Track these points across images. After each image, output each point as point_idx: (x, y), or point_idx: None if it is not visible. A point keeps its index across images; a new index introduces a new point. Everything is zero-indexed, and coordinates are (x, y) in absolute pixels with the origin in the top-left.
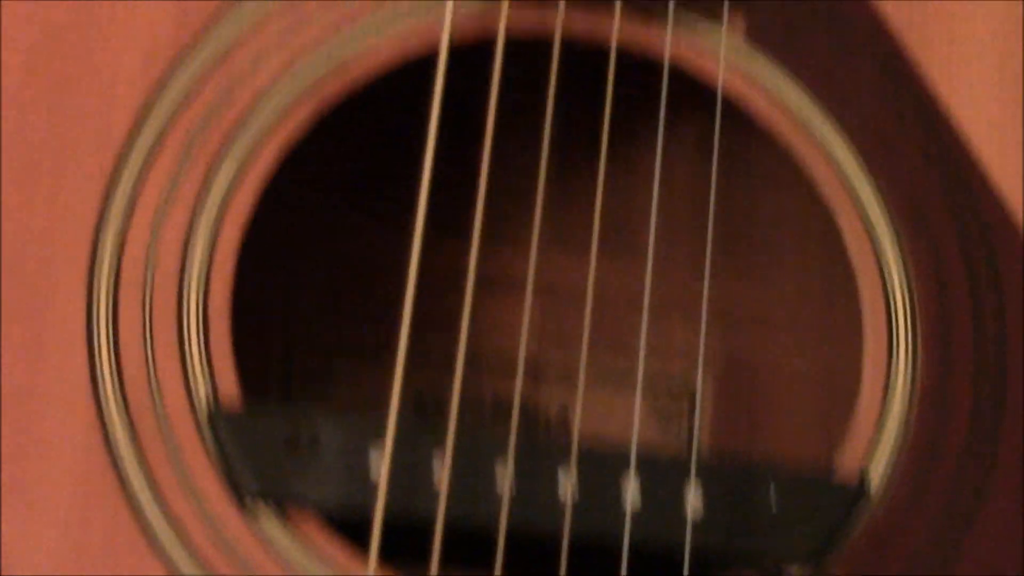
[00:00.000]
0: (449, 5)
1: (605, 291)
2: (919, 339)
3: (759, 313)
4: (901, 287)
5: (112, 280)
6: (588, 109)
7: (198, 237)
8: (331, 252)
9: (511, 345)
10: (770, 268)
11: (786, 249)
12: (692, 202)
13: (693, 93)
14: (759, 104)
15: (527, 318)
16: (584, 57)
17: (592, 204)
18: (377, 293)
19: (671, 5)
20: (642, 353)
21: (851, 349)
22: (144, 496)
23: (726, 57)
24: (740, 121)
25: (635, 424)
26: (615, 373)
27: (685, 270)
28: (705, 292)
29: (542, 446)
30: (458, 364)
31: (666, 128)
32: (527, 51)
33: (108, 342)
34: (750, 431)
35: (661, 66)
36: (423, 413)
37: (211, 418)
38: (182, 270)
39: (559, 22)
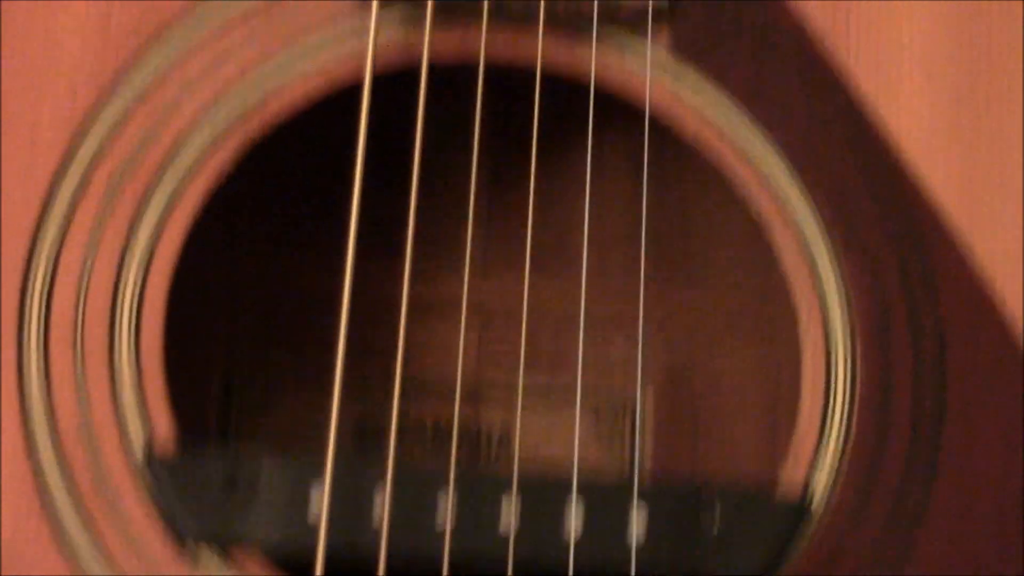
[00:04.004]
0: (372, 25)
1: (541, 310)
2: (857, 349)
3: (697, 322)
4: (838, 298)
5: (42, 324)
6: (516, 129)
7: (128, 278)
8: (265, 284)
9: (449, 368)
10: (706, 277)
11: (721, 258)
12: (624, 217)
13: (621, 110)
14: (687, 121)
15: (463, 340)
16: (510, 78)
17: (524, 224)
18: (313, 323)
19: (594, 25)
20: (579, 370)
21: (791, 353)
22: (83, 545)
23: (653, 73)
24: (669, 134)
25: (576, 430)
26: (555, 391)
27: (620, 284)
28: (641, 304)
29: (483, 475)
30: (395, 393)
31: (595, 145)
32: (452, 75)
33: (40, 389)
34: (693, 441)
35: (588, 85)
36: (364, 441)
37: (147, 463)
38: (112, 311)
39: (483, 43)
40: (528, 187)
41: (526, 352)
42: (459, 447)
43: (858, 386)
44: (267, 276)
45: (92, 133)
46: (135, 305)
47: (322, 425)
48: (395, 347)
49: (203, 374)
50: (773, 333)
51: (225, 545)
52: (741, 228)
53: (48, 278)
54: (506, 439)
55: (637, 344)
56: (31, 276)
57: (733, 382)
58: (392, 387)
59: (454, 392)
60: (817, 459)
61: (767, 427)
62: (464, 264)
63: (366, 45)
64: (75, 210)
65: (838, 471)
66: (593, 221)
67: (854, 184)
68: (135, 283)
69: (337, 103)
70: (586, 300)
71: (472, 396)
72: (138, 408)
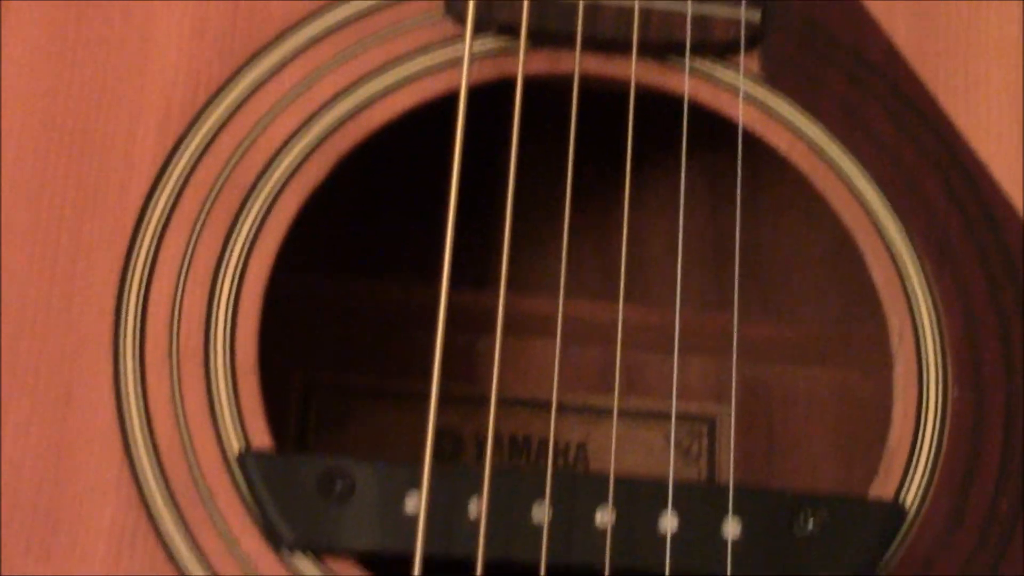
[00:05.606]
0: (466, 47)
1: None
2: (949, 364)
3: (773, 344)
4: (929, 314)
5: (138, 339)
6: (600, 148)
7: (222, 289)
8: (344, 302)
9: (526, 384)
10: (785, 297)
11: (801, 278)
12: (701, 237)
13: (702, 130)
14: (780, 135)
15: (558, 359)
16: (595, 93)
17: (603, 245)
18: (391, 341)
19: (687, 51)
20: (675, 388)
21: (871, 374)
22: (180, 544)
23: (744, 97)
24: (751, 159)
25: (671, 457)
26: (633, 410)
27: (696, 305)
28: (735, 324)
29: (577, 482)
30: (491, 407)
31: (674, 165)
32: (544, 92)
33: (137, 401)
34: (767, 460)
35: (678, 102)
36: (443, 453)
37: (243, 463)
38: (207, 322)
39: (576, 64)
40: (606, 206)
41: (602, 371)
42: (536, 459)
43: (950, 401)
44: (346, 294)
45: (187, 146)
46: (230, 315)
47: (400, 441)
48: (475, 362)
49: (282, 389)
50: (851, 357)
51: (319, 552)
52: (819, 255)
53: (144, 288)
54: (583, 454)
55: (713, 364)
56: (127, 285)
57: (810, 401)
58: (472, 401)
59: (532, 407)
60: (909, 472)
61: (843, 449)
62: (549, 282)
63: (459, 70)
64: (169, 223)
65: (930, 483)
66: (669, 241)
67: (943, 206)
68: (230, 293)
69: (424, 124)
70: (663, 321)
71: (549, 412)
72: (233, 416)
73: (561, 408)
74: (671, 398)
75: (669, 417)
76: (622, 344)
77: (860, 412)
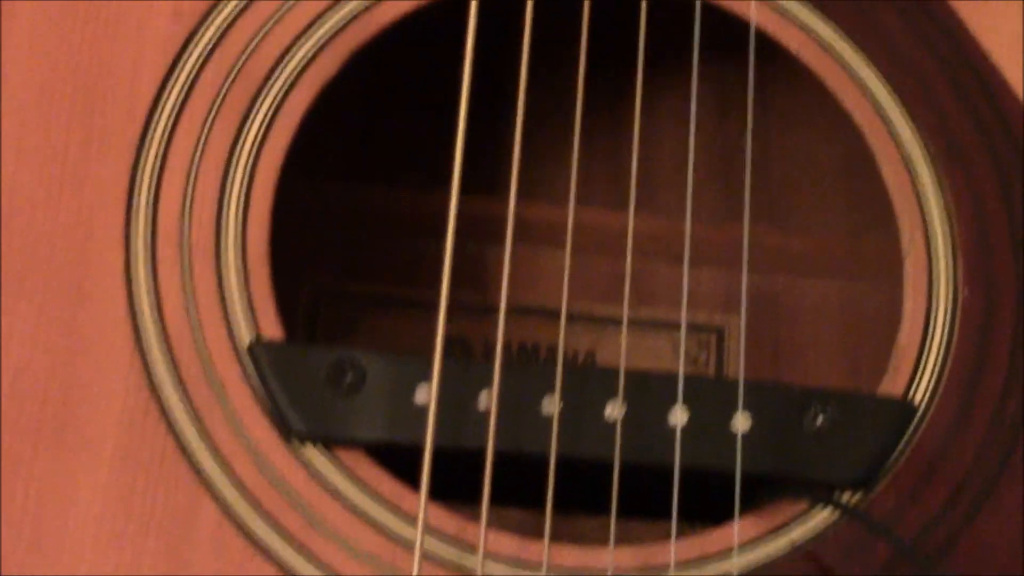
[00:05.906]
0: None
1: (624, 239)
2: (959, 261)
3: (786, 254)
4: (940, 214)
5: (149, 230)
6: (612, 55)
7: (233, 185)
8: (352, 208)
9: (535, 293)
10: (795, 208)
11: (812, 189)
12: (712, 147)
13: (713, 40)
14: (791, 34)
15: (568, 264)
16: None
17: (614, 154)
18: (400, 248)
19: None
20: (684, 297)
21: (880, 287)
22: (190, 435)
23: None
24: (760, 65)
25: (680, 365)
26: (642, 319)
27: (705, 216)
28: (745, 234)
29: (587, 376)
30: (501, 307)
31: (686, 78)
32: None
33: (148, 293)
34: (776, 370)
35: (690, 6)
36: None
37: (253, 353)
38: (219, 213)
39: None
40: (617, 115)
41: (611, 280)
42: (545, 364)
43: (960, 299)
44: (356, 201)
45: (199, 40)
46: (242, 206)
47: (409, 348)
48: (484, 270)
49: (291, 296)
50: (860, 269)
51: (329, 443)
52: (829, 166)
53: (155, 180)
54: (591, 361)
55: (722, 275)
56: (138, 177)
57: (817, 314)
58: (478, 309)
59: (541, 315)
60: (918, 370)
61: (849, 361)
62: (559, 190)
63: None
64: (181, 115)
65: (939, 381)
66: (680, 151)
67: (954, 107)
68: (241, 184)
69: (436, 28)
70: (672, 230)
71: (554, 321)
72: (244, 307)
73: (570, 317)
74: (680, 308)
75: (678, 327)
76: (632, 253)
77: (868, 324)
